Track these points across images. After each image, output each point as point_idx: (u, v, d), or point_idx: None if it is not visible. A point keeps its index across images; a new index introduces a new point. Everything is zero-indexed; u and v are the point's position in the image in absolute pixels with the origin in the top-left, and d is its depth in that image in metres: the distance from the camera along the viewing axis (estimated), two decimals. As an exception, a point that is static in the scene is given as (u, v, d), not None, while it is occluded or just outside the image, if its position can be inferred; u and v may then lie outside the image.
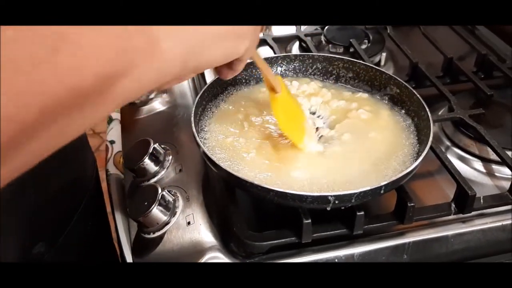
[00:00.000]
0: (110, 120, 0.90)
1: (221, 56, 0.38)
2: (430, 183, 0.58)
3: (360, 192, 0.42)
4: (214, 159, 0.46)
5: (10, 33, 0.24)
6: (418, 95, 0.55)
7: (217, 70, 0.45)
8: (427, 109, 0.52)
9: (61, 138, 0.27)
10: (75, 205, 0.59)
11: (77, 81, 0.25)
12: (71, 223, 0.58)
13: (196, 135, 0.49)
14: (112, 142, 0.83)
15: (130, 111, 0.70)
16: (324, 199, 0.42)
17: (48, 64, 0.24)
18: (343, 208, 0.45)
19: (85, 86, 0.26)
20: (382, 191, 0.43)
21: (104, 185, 0.75)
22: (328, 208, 0.43)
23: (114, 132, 0.79)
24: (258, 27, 0.41)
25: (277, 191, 0.42)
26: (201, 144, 0.48)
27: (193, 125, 0.50)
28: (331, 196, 0.42)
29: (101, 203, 0.70)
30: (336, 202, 0.42)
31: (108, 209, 0.73)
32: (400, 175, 0.44)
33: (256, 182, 0.43)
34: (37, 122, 0.24)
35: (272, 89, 0.52)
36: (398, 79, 0.57)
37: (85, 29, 0.26)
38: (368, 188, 0.42)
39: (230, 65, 0.42)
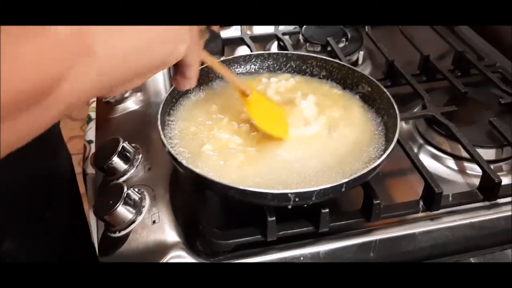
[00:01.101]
0: (89, 119, 0.90)
1: (161, 58, 0.38)
2: (402, 181, 0.58)
3: (320, 190, 0.42)
4: (175, 154, 0.46)
5: None
6: (387, 93, 0.54)
7: (173, 80, 0.46)
8: (396, 107, 0.52)
9: (8, 141, 0.29)
10: (47, 202, 0.59)
11: (14, 89, 0.27)
12: (43, 220, 0.58)
13: (161, 133, 0.49)
14: (90, 141, 0.83)
15: (105, 110, 0.69)
16: (284, 196, 0.42)
17: None
18: (305, 205, 0.44)
19: (23, 94, 0.28)
20: (343, 189, 0.43)
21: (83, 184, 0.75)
22: (289, 206, 0.43)
23: (92, 132, 0.78)
24: (194, 27, 0.41)
25: (237, 189, 0.42)
26: (164, 141, 0.47)
27: (159, 122, 0.50)
28: (291, 193, 0.42)
29: (77, 202, 0.70)
30: (297, 199, 0.42)
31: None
32: (362, 172, 0.44)
33: (216, 179, 0.42)
34: None
35: (242, 93, 0.52)
36: (369, 77, 0.57)
37: (20, 40, 0.28)
38: (329, 185, 0.42)
39: (183, 73, 0.44)
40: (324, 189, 0.42)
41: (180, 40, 0.39)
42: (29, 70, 0.28)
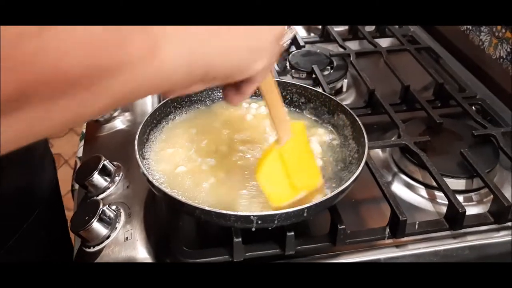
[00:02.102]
0: (82, 136, 0.93)
1: (232, 68, 0.34)
2: (375, 208, 0.59)
3: (282, 213, 0.44)
4: (147, 173, 0.48)
5: None
6: (359, 122, 0.56)
7: (224, 93, 0.41)
8: (365, 135, 0.54)
9: (44, 122, 0.26)
10: (25, 213, 0.61)
11: (63, 65, 0.24)
12: (22, 232, 0.60)
13: (137, 152, 0.51)
14: (81, 158, 0.86)
15: (93, 128, 0.72)
16: (247, 218, 0.44)
17: (35, 39, 0.23)
18: (270, 228, 0.46)
19: (72, 72, 0.25)
20: (305, 214, 0.45)
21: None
22: (253, 228, 0.45)
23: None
24: (277, 41, 0.36)
25: (202, 209, 0.44)
26: (139, 161, 0.50)
27: (136, 142, 0.52)
28: (253, 216, 0.43)
29: (60, 215, 0.72)
30: (259, 222, 0.44)
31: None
32: (323, 199, 0.46)
33: (183, 199, 0.44)
34: (12, 98, 0.23)
35: (277, 139, 0.46)
36: (344, 105, 0.59)
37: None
38: (290, 210, 0.44)
39: (238, 88, 0.39)
40: (286, 213, 0.44)
41: (259, 54, 0.34)
42: (79, 51, 0.25)
